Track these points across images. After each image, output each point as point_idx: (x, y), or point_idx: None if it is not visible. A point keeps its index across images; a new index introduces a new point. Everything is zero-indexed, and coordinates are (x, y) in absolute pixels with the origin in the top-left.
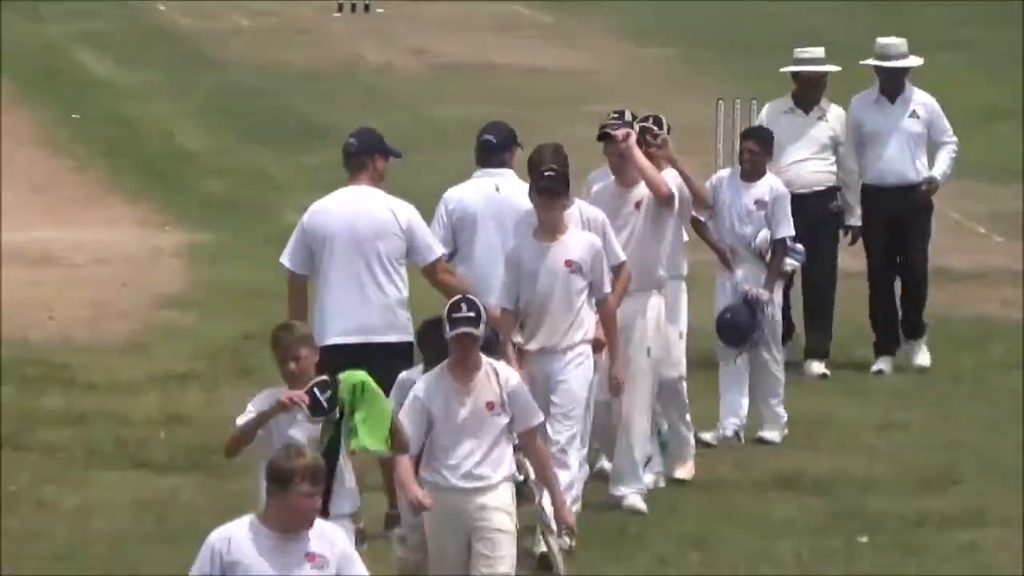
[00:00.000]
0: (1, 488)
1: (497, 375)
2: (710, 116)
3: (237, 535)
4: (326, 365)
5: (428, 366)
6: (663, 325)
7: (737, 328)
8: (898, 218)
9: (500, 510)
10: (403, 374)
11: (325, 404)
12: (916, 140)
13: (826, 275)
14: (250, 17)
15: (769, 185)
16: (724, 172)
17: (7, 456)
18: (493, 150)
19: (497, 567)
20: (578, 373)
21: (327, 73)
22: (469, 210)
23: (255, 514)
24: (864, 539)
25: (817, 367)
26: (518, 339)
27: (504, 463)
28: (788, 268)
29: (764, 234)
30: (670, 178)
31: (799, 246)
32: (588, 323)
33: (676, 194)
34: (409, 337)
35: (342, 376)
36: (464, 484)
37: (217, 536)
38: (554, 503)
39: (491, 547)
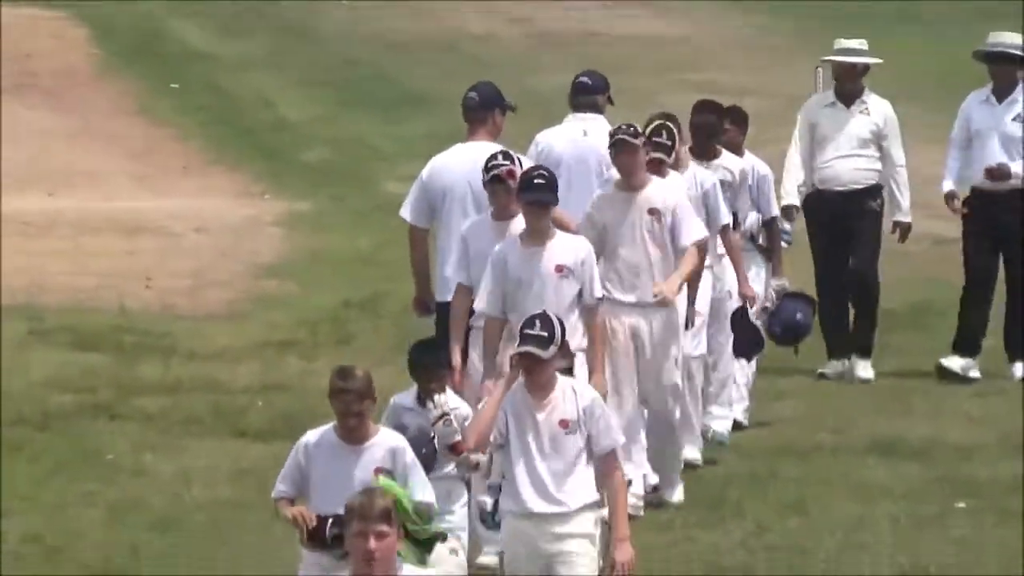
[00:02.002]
0: (99, 456)
1: (575, 394)
2: (808, 84)
3: None
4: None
5: (422, 389)
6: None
7: (806, 325)
8: (995, 221)
9: (581, 536)
10: (394, 398)
11: (328, 539)
12: (1016, 143)
13: (870, 274)
14: None
15: (740, 167)
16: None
17: (105, 425)
18: (587, 91)
19: None
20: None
21: (428, 43)
22: (555, 153)
23: None
24: (961, 504)
25: (863, 369)
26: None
27: (583, 489)
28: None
29: (754, 216)
30: (677, 182)
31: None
32: (580, 330)
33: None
34: None
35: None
36: (542, 509)
37: None
38: (616, 533)
39: (570, 568)
